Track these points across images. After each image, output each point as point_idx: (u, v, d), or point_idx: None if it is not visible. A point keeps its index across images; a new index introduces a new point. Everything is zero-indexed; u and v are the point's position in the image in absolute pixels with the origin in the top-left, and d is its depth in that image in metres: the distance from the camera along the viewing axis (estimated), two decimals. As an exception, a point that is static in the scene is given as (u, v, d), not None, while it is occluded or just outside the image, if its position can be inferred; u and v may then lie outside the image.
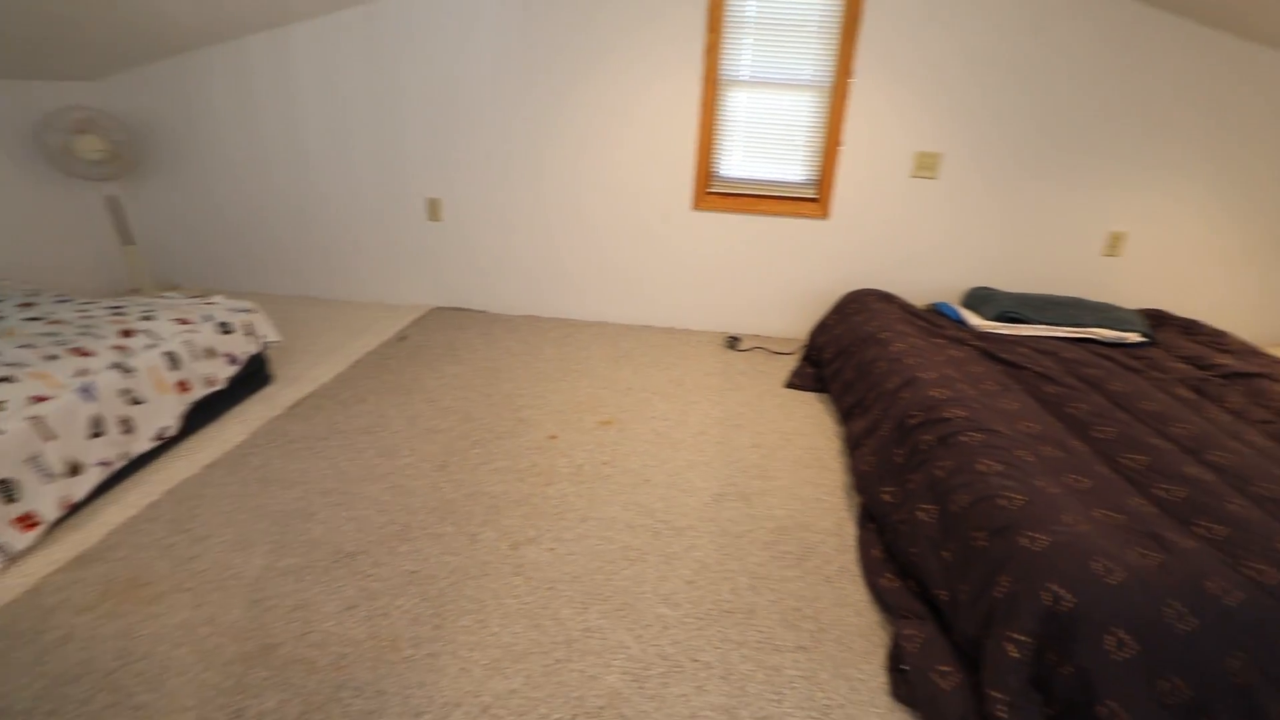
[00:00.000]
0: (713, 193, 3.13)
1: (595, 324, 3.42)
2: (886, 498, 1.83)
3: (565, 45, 2.94)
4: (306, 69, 3.10)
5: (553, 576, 1.68)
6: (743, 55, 2.89)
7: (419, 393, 2.59)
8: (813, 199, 3.09)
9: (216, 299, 2.45)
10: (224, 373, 2.29)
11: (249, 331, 2.43)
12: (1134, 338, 2.59)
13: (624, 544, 1.81)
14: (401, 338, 3.07)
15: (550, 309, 3.47)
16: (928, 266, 3.16)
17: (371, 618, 1.53)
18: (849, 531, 1.92)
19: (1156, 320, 2.90)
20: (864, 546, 1.81)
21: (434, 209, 3.32)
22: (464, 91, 3.06)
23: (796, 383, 2.76)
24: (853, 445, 2.15)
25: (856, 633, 1.57)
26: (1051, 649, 1.24)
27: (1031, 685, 1.26)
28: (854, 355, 2.45)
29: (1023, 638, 1.24)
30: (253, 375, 2.47)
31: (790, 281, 3.25)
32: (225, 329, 2.33)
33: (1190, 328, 2.78)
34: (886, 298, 2.78)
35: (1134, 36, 2.69)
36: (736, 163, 3.09)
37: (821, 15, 2.79)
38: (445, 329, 3.24)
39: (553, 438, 2.30)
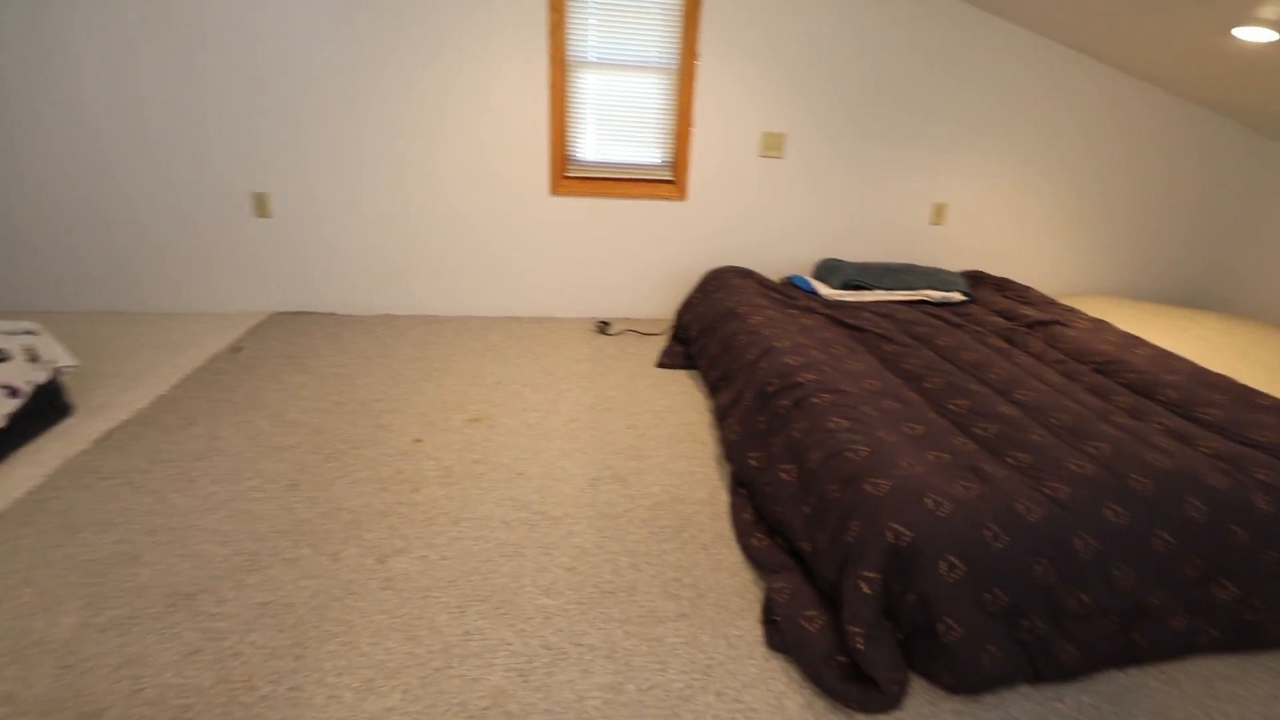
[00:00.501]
0: (570, 177, 3.10)
1: (459, 318, 3.29)
2: (753, 463, 1.92)
3: (403, 27, 2.76)
4: (83, 41, 2.67)
5: (426, 585, 1.60)
6: (588, 36, 2.87)
7: (260, 409, 2.35)
8: (669, 181, 3.15)
9: (-11, 320, 2.06)
10: (1, 409, 1.94)
11: (32, 357, 2.07)
12: (957, 297, 2.90)
13: (500, 541, 1.76)
14: (235, 349, 2.77)
15: (408, 306, 3.28)
16: (781, 242, 3.34)
17: (220, 660, 1.37)
18: (722, 499, 1.99)
19: (976, 280, 3.27)
20: (735, 511, 1.89)
21: (261, 204, 3.00)
22: (284, 75, 2.79)
23: (666, 361, 2.82)
24: (721, 416, 2.24)
25: (733, 592, 1.64)
26: (897, 581, 1.36)
27: (883, 616, 1.38)
28: (717, 331, 2.54)
29: (873, 574, 1.35)
30: (44, 408, 2.12)
31: (655, 263, 3.31)
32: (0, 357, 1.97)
33: (1002, 285, 3.16)
34: (745, 274, 2.91)
35: (944, 33, 2.98)
36: (592, 146, 3.08)
37: (663, -2, 2.84)
38: (287, 336, 2.96)
39: (418, 441, 2.19)
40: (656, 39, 2.90)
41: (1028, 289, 3.06)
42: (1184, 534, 1.44)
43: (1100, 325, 2.57)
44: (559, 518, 1.87)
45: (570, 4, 2.80)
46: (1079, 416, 1.75)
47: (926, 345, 2.29)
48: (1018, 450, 1.61)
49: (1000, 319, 2.66)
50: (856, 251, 3.40)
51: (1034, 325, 2.57)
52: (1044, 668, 1.41)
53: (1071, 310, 2.77)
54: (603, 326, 3.18)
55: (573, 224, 3.18)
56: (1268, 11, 2.10)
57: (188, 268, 3.09)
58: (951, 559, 1.34)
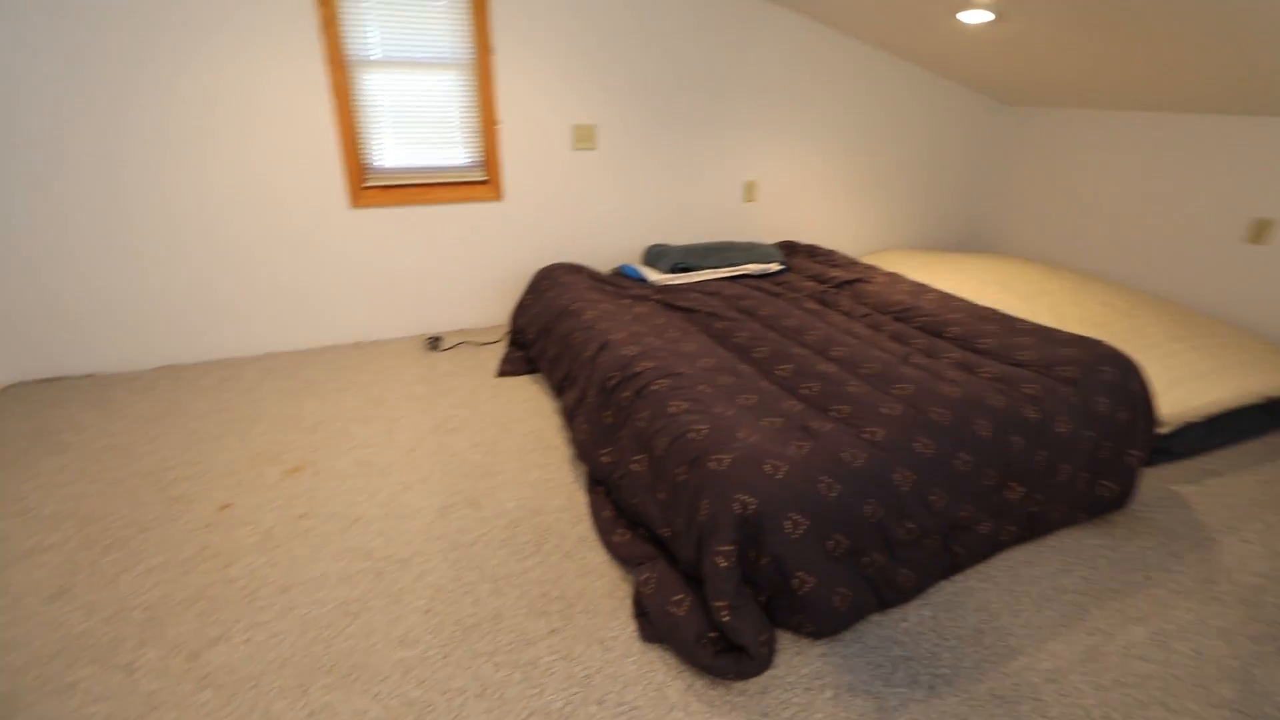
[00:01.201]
0: (371, 187, 2.85)
1: (264, 357, 2.91)
2: (605, 459, 1.90)
3: (149, 38, 2.34)
4: None
5: (254, 672, 1.39)
6: (369, 32, 2.64)
7: (2, 508, 1.90)
8: (483, 181, 3.02)
9: None
10: None
11: None
12: (775, 267, 3.10)
13: (342, 600, 1.58)
14: (-35, 436, 2.22)
15: (196, 352, 2.84)
16: (607, 232, 3.35)
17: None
18: (581, 502, 1.95)
19: (789, 249, 3.51)
20: (595, 510, 1.86)
21: (-21, 253, 2.43)
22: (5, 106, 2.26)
23: (508, 369, 2.72)
24: (569, 417, 2.19)
25: (603, 594, 1.61)
26: (750, 548, 1.40)
27: (743, 584, 1.42)
28: (554, 331, 2.48)
29: (728, 547, 1.38)
30: None
31: (480, 268, 3.17)
32: None
33: (813, 251, 3.42)
34: (575, 269, 2.87)
35: (731, 23, 3.13)
36: (394, 151, 2.85)
37: (445, -9, 2.68)
38: (31, 412, 2.43)
39: (226, 508, 1.89)
40: (446, 33, 2.74)
41: (833, 252, 3.35)
42: (978, 451, 1.64)
43: (895, 278, 2.87)
44: (407, 559, 1.71)
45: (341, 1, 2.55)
46: (885, 364, 1.93)
47: (752, 317, 2.40)
48: (839, 404, 1.73)
49: (814, 283, 2.88)
50: (681, 233, 3.51)
51: (841, 285, 2.81)
52: (887, 595, 1.54)
53: (871, 268, 3.07)
54: (434, 342, 2.98)
55: (382, 237, 2.94)
56: (979, -6, 2.45)
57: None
58: (795, 516, 1.40)
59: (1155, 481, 2.11)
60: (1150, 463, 2.18)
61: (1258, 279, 2.88)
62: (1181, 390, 2.24)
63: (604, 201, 3.28)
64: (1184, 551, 1.80)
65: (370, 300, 3.03)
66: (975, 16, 2.63)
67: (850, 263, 3.18)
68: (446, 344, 3.03)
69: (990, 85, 3.67)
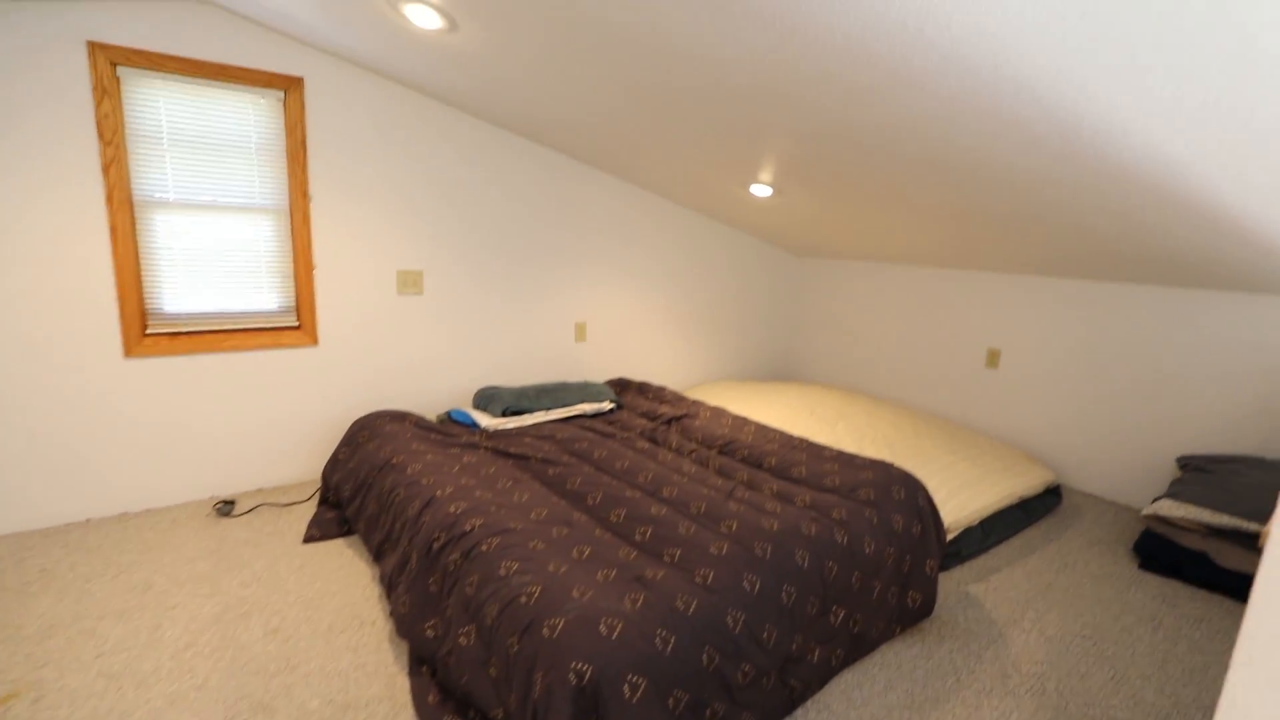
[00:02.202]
0: (155, 334, 2.53)
1: (-13, 542, 2.30)
2: (430, 633, 1.70)
3: None
4: None
5: None
6: (166, 174, 2.47)
7: None
8: (294, 326, 2.83)
9: None
10: None
11: None
12: (608, 406, 3.18)
13: None
14: None
15: (-117, 543, 2.18)
16: (435, 376, 3.25)
17: None
18: (402, 687, 1.70)
19: (621, 386, 3.64)
20: (418, 697, 1.63)
21: None
22: None
23: (316, 533, 2.41)
24: (389, 586, 1.95)
25: (423, 810, 1.36)
26: (590, 717, 1.30)
27: (585, 768, 1.29)
28: (373, 487, 2.27)
29: (566, 727, 1.26)
30: None
31: (288, 419, 2.87)
32: None
33: (643, 388, 3.58)
34: (399, 417, 2.71)
35: (556, 179, 3.41)
36: (185, 296, 2.59)
37: (260, 137, 2.63)
38: None
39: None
40: (257, 179, 2.65)
41: (663, 388, 3.54)
42: (800, 582, 1.72)
43: (718, 413, 3.08)
44: (160, 805, 1.34)
45: (132, 140, 2.38)
46: (712, 501, 2.01)
47: (585, 460, 2.41)
48: (671, 547, 1.75)
49: (644, 420, 2.99)
50: (514, 375, 3.51)
51: (670, 421, 2.95)
52: (733, 749, 1.48)
53: (697, 403, 3.27)
54: (225, 507, 2.58)
55: (163, 390, 2.57)
56: (762, 178, 2.93)
57: None
58: (633, 678, 1.34)
59: (951, 584, 2.34)
60: (944, 567, 2.44)
61: (995, 395, 3.56)
62: (959, 499, 2.59)
63: (432, 346, 3.22)
64: (981, 650, 1.98)
65: (145, 462, 2.58)
66: (760, 190, 3.14)
67: (678, 398, 3.37)
68: (240, 508, 2.63)
69: (782, 241, 4.32)
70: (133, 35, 2.33)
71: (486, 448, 2.50)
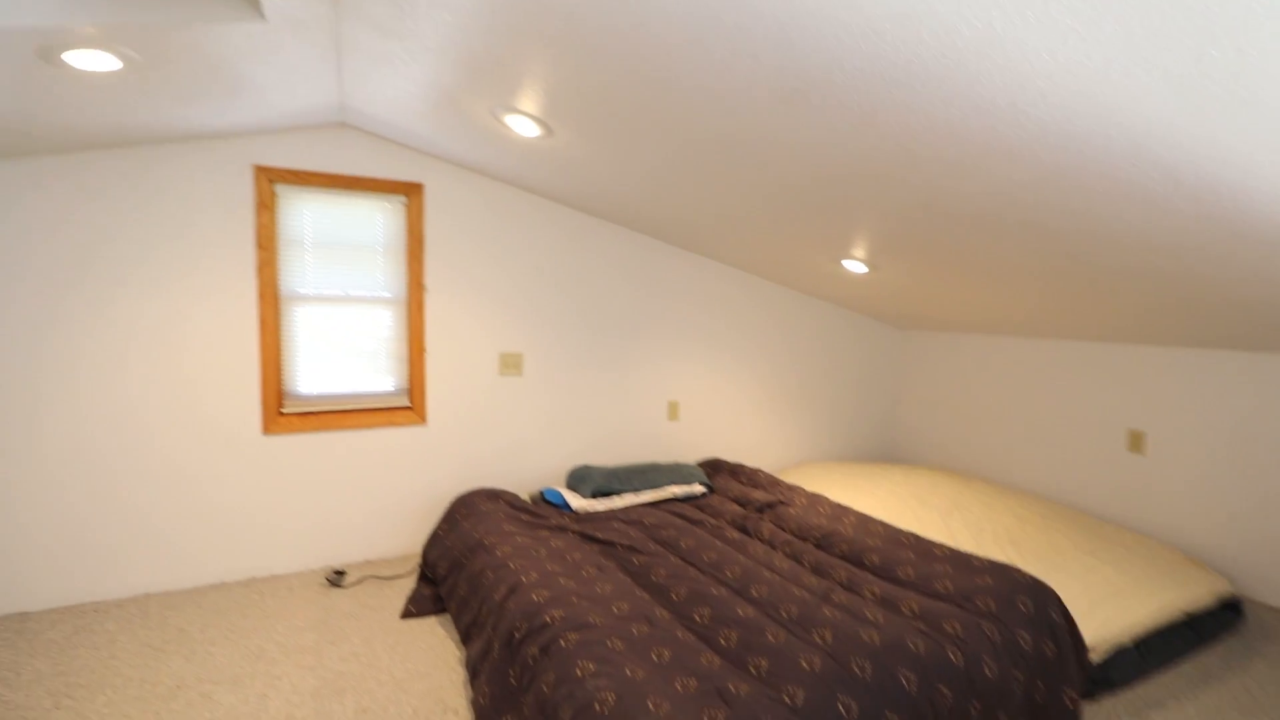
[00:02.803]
0: (289, 413, 2.81)
1: (131, 601, 2.56)
2: (507, 730, 1.67)
3: (84, 260, 2.42)
4: None
5: None
6: (305, 272, 2.80)
7: None
8: (406, 407, 3.04)
9: None
10: None
11: None
12: (699, 489, 3.11)
13: None
14: None
15: (50, 597, 2.48)
16: (531, 456, 3.34)
17: None
18: (477, 786, 1.66)
19: (714, 468, 3.56)
20: (493, 801, 1.58)
21: None
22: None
23: (413, 609, 2.48)
24: (473, 674, 1.96)
25: None
26: None
27: None
28: (465, 567, 2.33)
29: None
30: None
31: (397, 495, 3.05)
32: None
33: (736, 471, 3.48)
34: (494, 496, 2.80)
35: (652, 261, 3.53)
36: (315, 378, 2.87)
37: (385, 235, 2.94)
38: None
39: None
40: (379, 272, 2.95)
41: (757, 471, 3.41)
42: (905, 707, 1.53)
43: (815, 499, 2.91)
44: None
45: (283, 244, 2.74)
46: (805, 604, 1.86)
47: (672, 550, 2.34)
48: (758, 656, 1.62)
49: (736, 506, 2.88)
50: (607, 454, 3.54)
51: (763, 508, 2.82)
52: None
53: (793, 489, 3.12)
54: (337, 578, 2.73)
55: (292, 465, 2.83)
56: (855, 254, 2.86)
57: None
58: (712, 814, 1.22)
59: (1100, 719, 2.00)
60: (1090, 696, 2.09)
61: (1141, 484, 3.09)
62: (1105, 611, 2.23)
63: (530, 425, 3.33)
64: (1144, 815, 1.64)
65: (275, 531, 2.81)
66: (854, 266, 3.05)
67: (772, 482, 3.23)
68: (349, 580, 2.78)
69: (882, 313, 4.14)
70: (288, 158, 2.72)
71: (574, 531, 2.50)
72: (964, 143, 1.55)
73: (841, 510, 2.74)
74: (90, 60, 1.75)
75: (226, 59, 1.92)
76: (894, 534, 2.44)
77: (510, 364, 3.24)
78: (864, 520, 2.61)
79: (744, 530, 2.59)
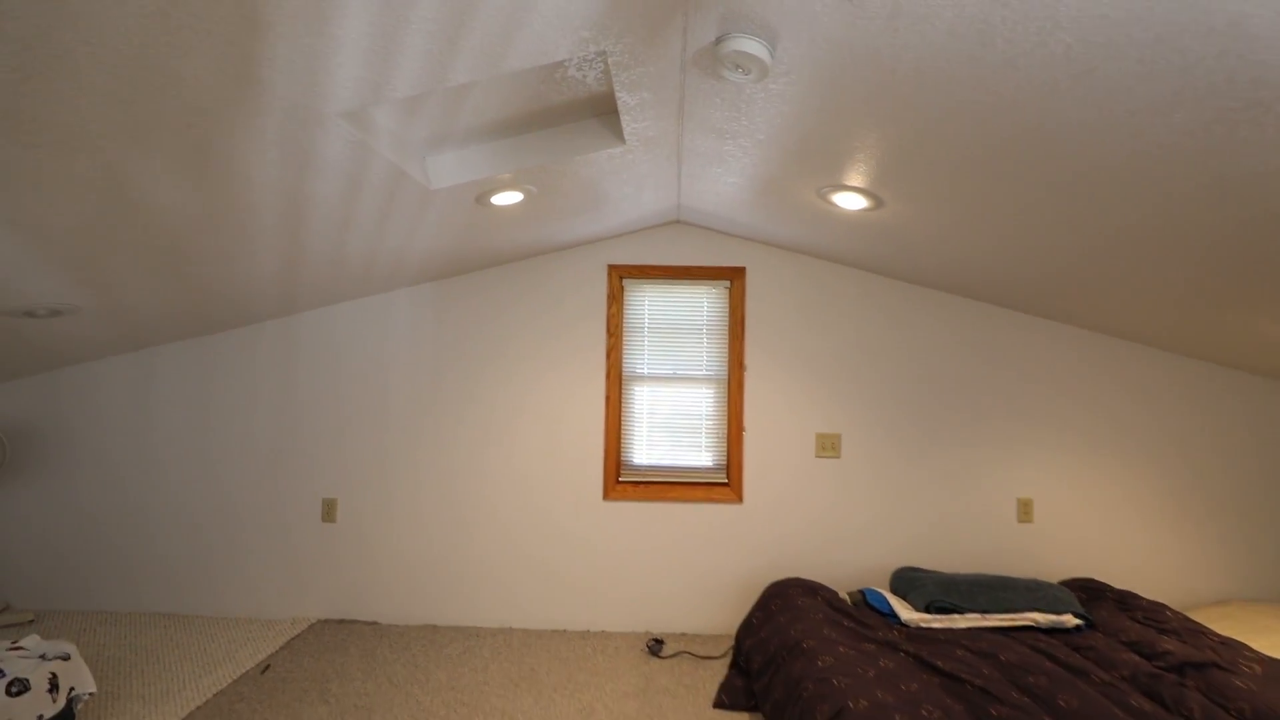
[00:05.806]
0: (624, 482, 3.10)
1: (500, 632, 3.04)
2: None
3: (475, 359, 3.12)
4: (220, 377, 3.14)
5: None
6: (643, 355, 3.12)
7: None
8: (723, 483, 3.09)
9: (25, 643, 2.05)
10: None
11: (52, 686, 1.99)
12: (1071, 621, 2.44)
13: None
14: (263, 668, 2.61)
15: (450, 616, 3.10)
16: (848, 548, 3.07)
17: None
18: None
19: (1088, 593, 2.78)
20: None
21: (329, 510, 3.12)
22: (366, 386, 3.12)
23: (725, 700, 2.40)
24: (791, 798, 1.77)
25: None
26: None
27: None
28: (782, 668, 2.18)
29: None
30: (50, 745, 1.96)
31: (712, 570, 3.08)
32: (18, 689, 1.90)
33: (1125, 602, 2.66)
34: (812, 590, 2.61)
35: (995, 333, 3.08)
36: (645, 451, 3.13)
37: (709, 318, 3.12)
38: (322, 651, 2.79)
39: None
40: (705, 353, 3.11)
41: (1161, 607, 2.56)
42: None
43: (1276, 667, 2.02)
44: None
45: (627, 330, 3.11)
46: None
47: (1045, 708, 1.83)
48: None
49: (1136, 656, 2.16)
50: (936, 556, 3.06)
51: (1184, 668, 2.05)
52: None
53: (1228, 642, 2.24)
54: (655, 646, 2.84)
55: (625, 530, 3.09)
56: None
57: (258, 571, 3.13)
58: None
59: None
60: None
61: None
62: None
63: (847, 513, 3.08)
64: None
65: (605, 591, 3.09)
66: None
67: (1189, 627, 2.37)
68: (667, 650, 2.86)
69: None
70: (633, 255, 3.11)
71: (908, 652, 2.16)
72: None
73: (1335, 701, 1.84)
74: (506, 198, 2.24)
75: (594, 179, 2.28)
76: None
77: (827, 445, 3.08)
78: (1387, 727, 1.70)
79: (1156, 699, 1.91)
